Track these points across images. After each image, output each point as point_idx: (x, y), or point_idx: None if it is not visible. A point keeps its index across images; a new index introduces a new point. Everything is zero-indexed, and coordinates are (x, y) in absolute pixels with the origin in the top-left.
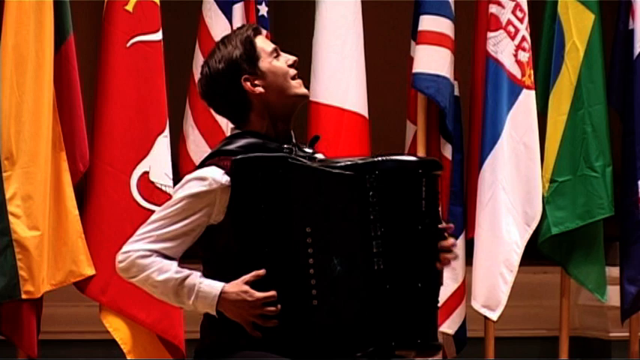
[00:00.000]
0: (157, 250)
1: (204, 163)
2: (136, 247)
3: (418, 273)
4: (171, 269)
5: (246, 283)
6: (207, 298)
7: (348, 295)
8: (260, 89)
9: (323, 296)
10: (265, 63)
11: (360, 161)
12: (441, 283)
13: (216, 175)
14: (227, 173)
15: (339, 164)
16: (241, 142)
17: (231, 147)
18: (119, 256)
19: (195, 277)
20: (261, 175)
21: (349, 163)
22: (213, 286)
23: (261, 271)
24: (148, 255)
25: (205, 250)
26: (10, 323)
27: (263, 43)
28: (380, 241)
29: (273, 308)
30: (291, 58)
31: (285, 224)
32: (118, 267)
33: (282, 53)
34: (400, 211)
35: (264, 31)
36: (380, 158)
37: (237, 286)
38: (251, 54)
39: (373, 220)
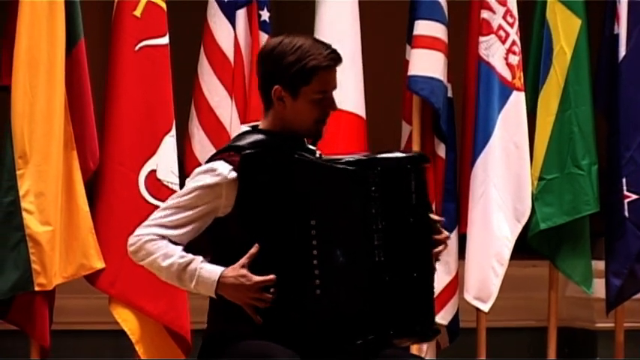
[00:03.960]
0: (165, 236)
1: (214, 158)
2: (146, 231)
3: (413, 263)
4: (175, 254)
5: (243, 266)
6: (207, 282)
7: (350, 285)
8: (283, 104)
9: (326, 286)
10: (307, 95)
11: (363, 158)
12: (433, 270)
13: (224, 169)
14: (235, 169)
15: (342, 160)
16: (250, 139)
17: (240, 143)
18: (131, 239)
19: (197, 263)
20: (267, 169)
21: (352, 159)
22: (212, 271)
23: (254, 249)
24: (155, 239)
25: (215, 241)
26: (24, 314)
27: (323, 79)
28: (381, 234)
29: (268, 295)
30: (332, 106)
31: (291, 217)
32: (129, 250)
33: (330, 96)
34: (394, 206)
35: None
36: (379, 155)
37: (234, 271)
38: (304, 79)
39: (374, 214)
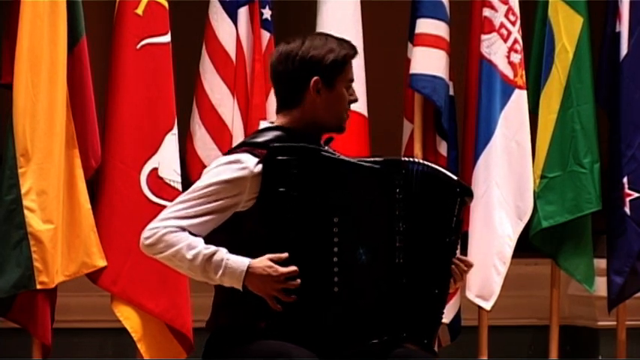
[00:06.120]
0: (184, 227)
1: (235, 150)
2: (163, 224)
3: (436, 279)
4: (199, 245)
5: (270, 259)
6: (235, 272)
7: (369, 285)
8: (319, 97)
9: (344, 284)
10: (341, 85)
11: (390, 158)
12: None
13: (250, 162)
14: (260, 162)
15: (368, 159)
16: (270, 135)
17: (260, 139)
18: (145, 232)
19: (223, 253)
20: (294, 164)
21: (379, 159)
22: (241, 262)
23: (284, 255)
24: (176, 231)
25: (232, 235)
26: (26, 312)
27: (350, 69)
28: (402, 237)
29: (294, 283)
30: (355, 96)
31: (314, 213)
32: (144, 243)
33: (352, 86)
34: (431, 218)
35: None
36: (411, 159)
37: (262, 262)
38: (338, 68)
39: (398, 215)
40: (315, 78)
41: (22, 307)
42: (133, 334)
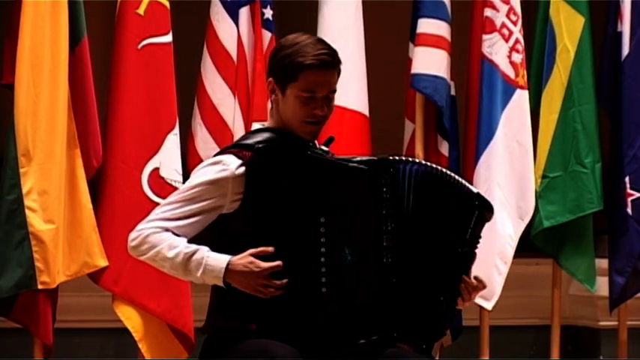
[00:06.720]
0: (169, 229)
1: (223, 152)
2: (147, 225)
3: (442, 285)
4: (180, 244)
5: (252, 254)
6: (215, 270)
7: (357, 284)
8: (275, 97)
9: (332, 285)
10: (292, 92)
11: (375, 158)
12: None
13: (232, 164)
14: (244, 164)
15: (355, 159)
16: (260, 137)
17: (250, 141)
18: (132, 235)
19: (203, 252)
20: (279, 165)
21: (365, 159)
22: (220, 259)
23: (270, 248)
24: (159, 232)
25: (219, 237)
26: (27, 312)
27: (308, 79)
28: (390, 236)
29: (280, 282)
30: (318, 112)
31: (300, 214)
32: (130, 245)
33: (319, 98)
34: (432, 220)
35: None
36: (406, 158)
37: (243, 258)
38: (290, 75)
39: (385, 214)
40: (270, 79)
41: (23, 307)
42: (134, 334)
